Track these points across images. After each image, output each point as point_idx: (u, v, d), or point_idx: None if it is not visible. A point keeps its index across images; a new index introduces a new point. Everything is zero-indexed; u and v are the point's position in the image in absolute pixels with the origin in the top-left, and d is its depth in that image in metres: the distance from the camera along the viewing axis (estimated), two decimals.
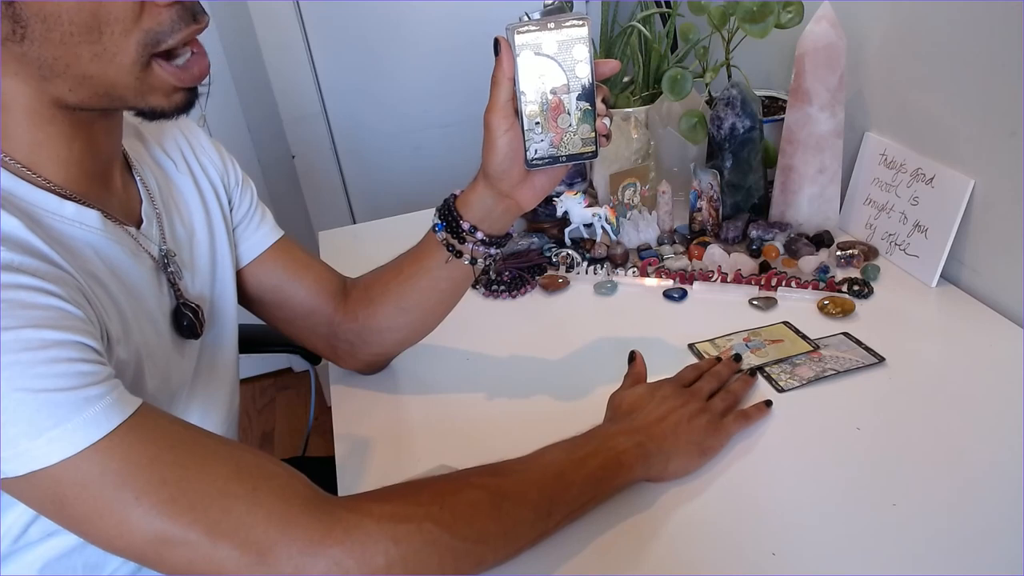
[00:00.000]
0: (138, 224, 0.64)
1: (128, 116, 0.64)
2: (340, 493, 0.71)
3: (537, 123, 0.63)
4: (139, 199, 0.66)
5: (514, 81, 0.62)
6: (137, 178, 0.67)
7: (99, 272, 0.57)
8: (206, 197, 0.74)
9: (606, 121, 0.64)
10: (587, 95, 0.63)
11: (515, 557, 0.60)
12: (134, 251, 0.62)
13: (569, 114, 0.63)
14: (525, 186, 0.68)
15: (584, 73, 0.62)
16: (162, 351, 0.64)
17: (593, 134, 0.64)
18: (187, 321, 0.66)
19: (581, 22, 0.60)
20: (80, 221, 0.57)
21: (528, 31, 0.60)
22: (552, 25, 0.60)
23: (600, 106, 0.64)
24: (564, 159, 0.65)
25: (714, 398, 0.75)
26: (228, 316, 0.75)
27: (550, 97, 0.62)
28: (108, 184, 0.62)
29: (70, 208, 0.56)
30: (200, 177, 0.74)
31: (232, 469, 0.51)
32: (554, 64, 0.61)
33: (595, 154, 0.65)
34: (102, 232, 0.58)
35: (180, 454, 0.50)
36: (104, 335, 0.55)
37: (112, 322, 0.56)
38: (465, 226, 0.70)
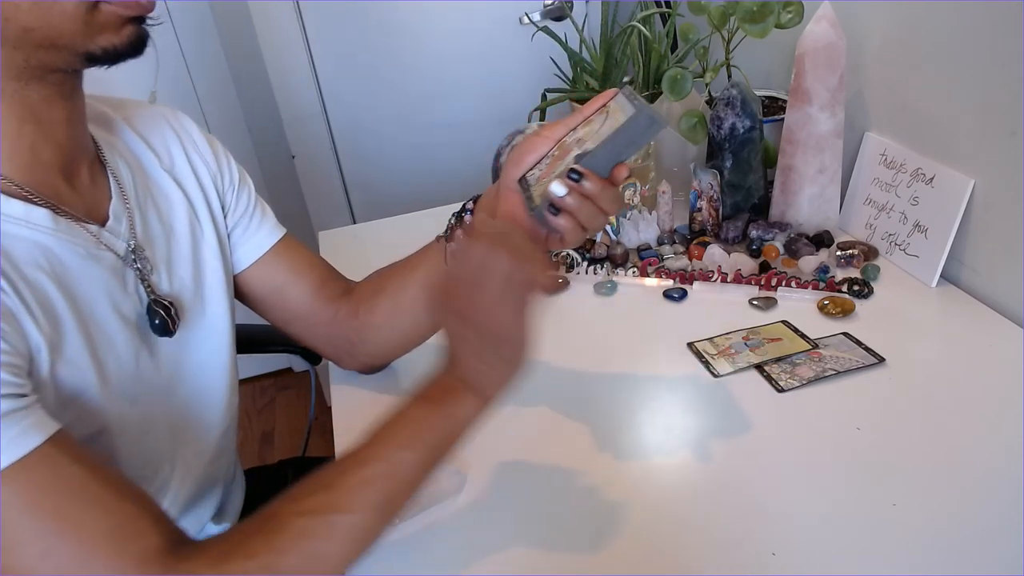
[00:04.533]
0: (104, 220, 0.62)
1: (104, 106, 0.62)
2: None
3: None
4: (109, 195, 0.64)
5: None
6: (109, 172, 0.65)
7: (43, 276, 0.55)
8: (191, 197, 0.72)
9: (568, 199, 0.59)
10: (581, 159, 0.59)
11: (372, 544, 0.56)
12: (91, 250, 0.60)
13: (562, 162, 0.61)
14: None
15: (594, 146, 0.59)
16: (126, 349, 0.62)
17: (549, 199, 0.59)
18: (158, 319, 0.64)
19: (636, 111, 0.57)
20: (27, 220, 0.55)
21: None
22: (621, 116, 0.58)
23: (587, 185, 0.58)
24: (534, 211, 0.61)
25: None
26: (217, 316, 0.73)
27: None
28: (71, 179, 0.60)
29: (17, 207, 0.54)
30: (186, 176, 0.72)
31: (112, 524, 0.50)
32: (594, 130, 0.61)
33: (540, 215, 0.60)
34: (52, 231, 0.56)
35: (64, 502, 0.49)
36: (33, 354, 0.53)
37: (49, 330, 0.54)
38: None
